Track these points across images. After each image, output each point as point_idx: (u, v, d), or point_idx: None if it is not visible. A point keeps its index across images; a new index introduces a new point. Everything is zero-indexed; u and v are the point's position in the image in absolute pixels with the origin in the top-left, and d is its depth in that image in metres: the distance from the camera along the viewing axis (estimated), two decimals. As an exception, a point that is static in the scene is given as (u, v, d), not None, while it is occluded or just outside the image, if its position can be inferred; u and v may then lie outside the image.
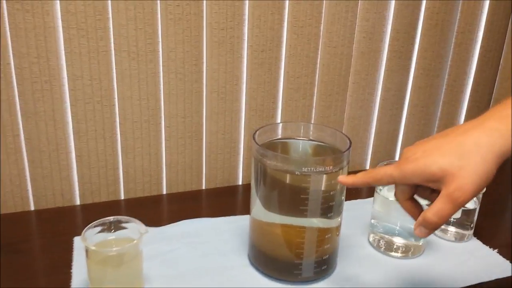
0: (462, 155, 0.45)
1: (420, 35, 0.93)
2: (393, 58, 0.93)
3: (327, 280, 0.66)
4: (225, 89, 0.86)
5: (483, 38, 0.97)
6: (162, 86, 0.83)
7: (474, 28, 0.96)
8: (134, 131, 0.84)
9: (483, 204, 0.74)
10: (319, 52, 0.89)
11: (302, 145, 0.69)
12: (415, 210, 0.54)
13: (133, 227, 0.59)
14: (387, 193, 0.71)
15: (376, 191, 0.72)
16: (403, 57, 0.94)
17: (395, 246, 0.72)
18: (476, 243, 0.75)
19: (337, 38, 0.88)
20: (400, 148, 1.03)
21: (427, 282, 0.66)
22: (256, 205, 0.65)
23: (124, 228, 0.60)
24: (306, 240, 0.62)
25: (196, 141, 0.89)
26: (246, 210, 0.81)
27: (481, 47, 0.98)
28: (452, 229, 0.75)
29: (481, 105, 1.04)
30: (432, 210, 0.48)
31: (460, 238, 0.75)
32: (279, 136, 0.69)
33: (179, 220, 0.77)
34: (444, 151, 0.46)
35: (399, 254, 0.71)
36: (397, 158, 1.04)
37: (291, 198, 0.61)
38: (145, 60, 0.80)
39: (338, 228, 0.65)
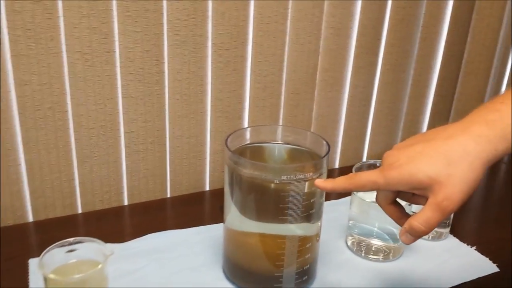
0: (449, 163, 0.43)
1: (387, 31, 0.91)
2: (360, 55, 0.91)
3: (309, 291, 0.62)
4: (188, 91, 0.81)
5: (447, 32, 0.97)
6: (119, 89, 0.77)
7: (439, 22, 0.95)
8: (91, 138, 0.77)
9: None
10: (286, 50, 0.85)
11: (277, 150, 0.65)
12: (398, 214, 0.52)
13: (96, 248, 0.53)
14: (364, 194, 0.69)
15: (353, 193, 0.70)
16: (370, 53, 0.92)
17: (373, 249, 0.69)
18: (453, 241, 0.73)
19: (304, 35, 0.85)
20: (368, 145, 1.01)
21: (411, 283, 0.64)
22: (231, 214, 0.60)
23: (86, 248, 0.54)
24: (286, 251, 0.58)
25: (158, 146, 0.83)
26: (215, 218, 0.76)
27: (446, 41, 0.97)
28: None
29: (446, 100, 1.04)
30: (420, 218, 0.46)
31: (437, 237, 0.74)
32: (253, 141, 0.65)
33: (144, 234, 0.72)
34: (430, 157, 0.44)
35: (379, 257, 0.69)
36: (365, 156, 1.02)
37: (269, 208, 0.57)
38: (101, 62, 0.73)
39: (318, 234, 0.62)
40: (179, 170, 0.86)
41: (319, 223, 0.61)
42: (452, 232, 0.75)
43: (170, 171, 0.86)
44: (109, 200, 0.82)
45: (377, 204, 0.61)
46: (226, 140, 0.59)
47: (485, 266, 0.68)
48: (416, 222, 0.46)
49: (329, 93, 0.92)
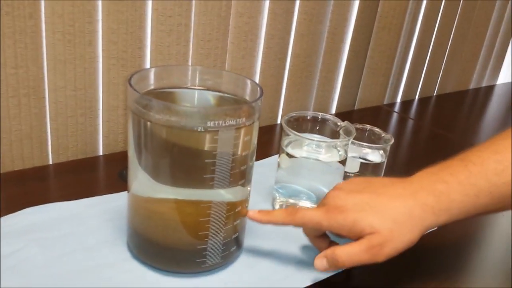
0: (394, 220, 0.44)
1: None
2: (277, 1, 0.81)
3: (237, 265, 0.52)
4: (73, 29, 0.65)
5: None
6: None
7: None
8: None
9: (390, 157, 0.67)
10: (195, -14, 0.72)
11: (198, 96, 0.53)
12: (326, 246, 0.51)
13: None
14: (293, 150, 0.60)
15: (282, 147, 0.60)
16: (287, -2, 0.82)
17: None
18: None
19: (215, -31, 0.72)
20: (283, 103, 0.93)
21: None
22: (139, 179, 0.47)
23: None
24: (212, 217, 0.47)
25: (35, 100, 0.65)
26: (113, 187, 0.62)
27: (362, -8, 0.91)
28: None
29: (359, 56, 0.99)
30: (345, 250, 0.45)
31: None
32: (161, 85, 0.51)
33: (19, 210, 0.55)
34: (377, 212, 0.45)
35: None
36: (280, 115, 0.93)
37: (192, 166, 0.45)
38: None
39: (248, 198, 0.51)
40: (63, 131, 0.70)
41: (248, 188, 0.50)
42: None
43: (51, 132, 0.69)
44: (-31, 170, 0.64)
45: (307, 161, 0.59)
46: (129, 79, 0.46)
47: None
48: (340, 251, 0.45)
49: (244, 43, 0.81)
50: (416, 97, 1.18)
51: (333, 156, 0.59)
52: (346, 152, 0.60)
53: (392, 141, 0.66)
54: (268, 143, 0.83)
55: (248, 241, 0.54)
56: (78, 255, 0.50)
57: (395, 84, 1.10)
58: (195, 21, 0.74)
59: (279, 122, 0.94)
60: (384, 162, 0.67)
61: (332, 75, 0.97)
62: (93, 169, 0.70)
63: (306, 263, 0.53)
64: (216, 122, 0.43)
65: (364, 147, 0.65)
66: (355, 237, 0.45)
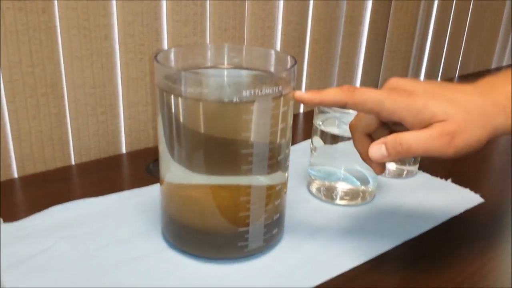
0: (468, 111, 0.39)
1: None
2: (292, -18, 0.79)
3: (279, 248, 0.49)
4: (88, 23, 0.63)
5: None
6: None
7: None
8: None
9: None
10: (208, -28, 0.70)
11: (227, 76, 0.50)
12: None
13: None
14: (328, 128, 0.57)
15: (315, 126, 0.57)
16: (302, -19, 0.80)
17: (341, 194, 0.58)
18: (425, 176, 0.65)
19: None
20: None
21: (397, 224, 0.53)
22: (172, 166, 0.44)
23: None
24: (252, 197, 0.44)
25: (54, 99, 0.63)
26: (140, 181, 0.60)
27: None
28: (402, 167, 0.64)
29: (378, 39, 0.96)
30: (413, 134, 0.39)
31: (406, 176, 0.64)
32: (188, 66, 0.49)
33: (45, 208, 0.53)
34: (449, 100, 0.40)
35: (351, 201, 0.57)
36: (302, 104, 0.90)
37: (229, 144, 0.42)
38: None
39: (287, 176, 0.48)
40: (84, 131, 0.67)
41: (288, 163, 0.47)
42: (421, 168, 0.66)
43: (72, 132, 0.67)
44: (-9, 175, 0.61)
45: (342, 140, 0.55)
46: (155, 57, 0.43)
47: (468, 198, 0.59)
48: (407, 135, 0.39)
49: (261, 30, 0.79)
50: (438, 79, 1.14)
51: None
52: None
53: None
54: (293, 131, 0.80)
55: (288, 225, 0.51)
56: (112, 248, 0.47)
57: (416, 67, 1.06)
58: (211, 10, 0.72)
59: (301, 111, 0.91)
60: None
61: (352, 60, 0.94)
62: (118, 167, 0.68)
63: (351, 243, 0.50)
64: (252, 91, 0.40)
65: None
66: (422, 124, 0.39)
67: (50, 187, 0.60)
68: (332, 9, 0.86)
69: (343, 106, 0.41)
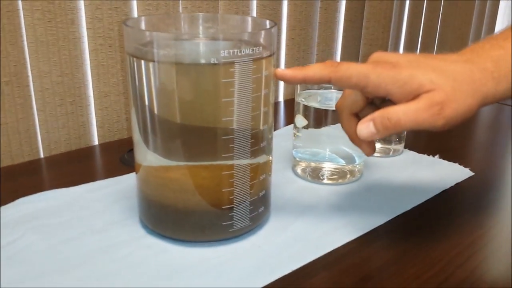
0: (455, 79, 0.37)
1: None
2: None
3: (267, 228, 0.45)
4: (53, 6, 0.59)
5: None
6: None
7: None
8: None
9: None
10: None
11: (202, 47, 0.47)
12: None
13: None
14: (314, 103, 0.54)
15: (297, 102, 0.55)
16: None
17: (328, 173, 0.55)
18: (412, 154, 0.63)
19: None
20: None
21: (387, 201, 0.51)
22: (149, 152, 0.41)
23: None
24: (236, 170, 0.41)
25: (18, 89, 0.59)
26: (114, 171, 0.56)
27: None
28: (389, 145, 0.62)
29: (355, 26, 0.95)
30: (400, 108, 0.37)
31: (392, 154, 0.62)
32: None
33: (13, 201, 0.49)
34: (435, 69, 0.38)
35: (337, 181, 0.55)
36: (282, 92, 0.88)
37: (208, 110, 0.39)
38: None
39: (271, 156, 0.45)
40: (52, 123, 0.63)
41: (271, 136, 0.45)
42: (406, 147, 0.64)
43: (39, 124, 0.63)
44: (-49, 172, 0.56)
45: (328, 129, 0.52)
46: (125, 22, 0.40)
47: (459, 172, 0.57)
48: (394, 109, 0.37)
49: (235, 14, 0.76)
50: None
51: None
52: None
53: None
54: (274, 118, 0.77)
55: (275, 206, 0.48)
56: (86, 238, 0.43)
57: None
58: (183, -7, 0.70)
59: (280, 99, 0.89)
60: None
61: (330, 48, 0.92)
62: (91, 158, 0.64)
63: (342, 220, 0.47)
64: (231, 51, 0.37)
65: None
66: (408, 95, 0.37)
67: (18, 181, 0.56)
68: (308, -6, 0.84)
69: (328, 82, 0.39)
